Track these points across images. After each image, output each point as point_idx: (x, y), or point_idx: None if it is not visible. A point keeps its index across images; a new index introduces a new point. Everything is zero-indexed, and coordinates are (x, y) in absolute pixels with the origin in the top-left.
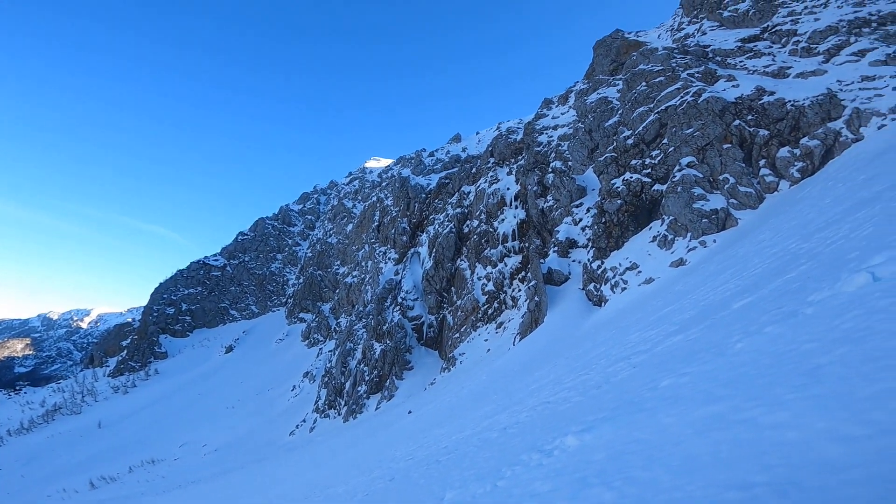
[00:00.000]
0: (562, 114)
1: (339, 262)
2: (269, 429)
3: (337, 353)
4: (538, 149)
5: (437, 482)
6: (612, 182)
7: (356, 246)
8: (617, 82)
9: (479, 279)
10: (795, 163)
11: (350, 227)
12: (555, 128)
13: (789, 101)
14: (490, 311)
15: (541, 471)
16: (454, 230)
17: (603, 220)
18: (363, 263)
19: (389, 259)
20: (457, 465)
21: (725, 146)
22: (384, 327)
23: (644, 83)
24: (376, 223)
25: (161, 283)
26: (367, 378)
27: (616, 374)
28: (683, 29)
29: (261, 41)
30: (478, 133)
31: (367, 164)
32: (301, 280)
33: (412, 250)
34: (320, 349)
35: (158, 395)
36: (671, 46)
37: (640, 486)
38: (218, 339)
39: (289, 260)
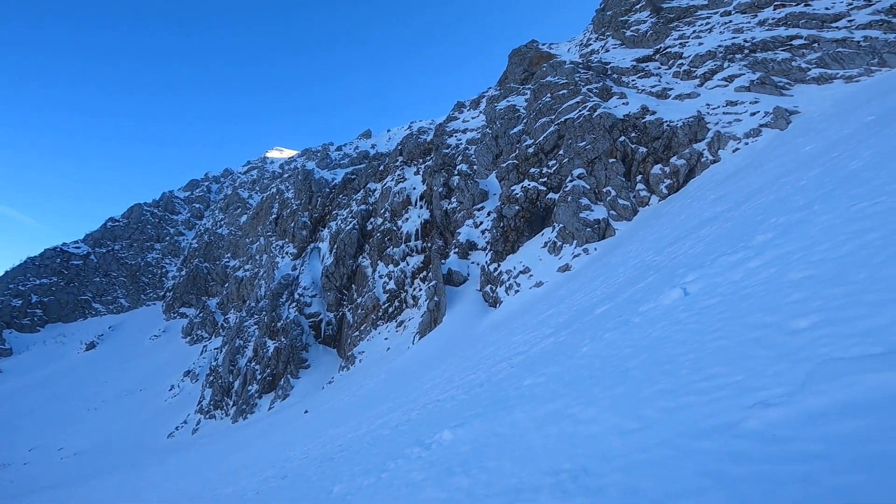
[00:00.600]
0: (472, 118)
1: (229, 255)
2: (142, 431)
3: (224, 350)
4: (446, 151)
5: (329, 478)
6: (512, 188)
7: (250, 238)
8: (526, 91)
9: (380, 277)
10: (665, 180)
11: (244, 218)
12: (464, 131)
13: (666, 122)
14: (391, 310)
15: (419, 462)
16: (357, 227)
17: (501, 224)
18: (257, 257)
19: (287, 253)
20: (348, 461)
21: (611, 160)
22: (279, 324)
23: (549, 95)
24: (274, 216)
25: (6, 272)
26: (258, 377)
27: (497, 373)
28: (591, 45)
29: (146, 10)
30: (389, 130)
31: (268, 154)
32: (184, 272)
33: (312, 245)
34: (205, 346)
35: (1, 396)
36: (577, 61)
37: (490, 473)
38: (77, 334)
39: (170, 250)
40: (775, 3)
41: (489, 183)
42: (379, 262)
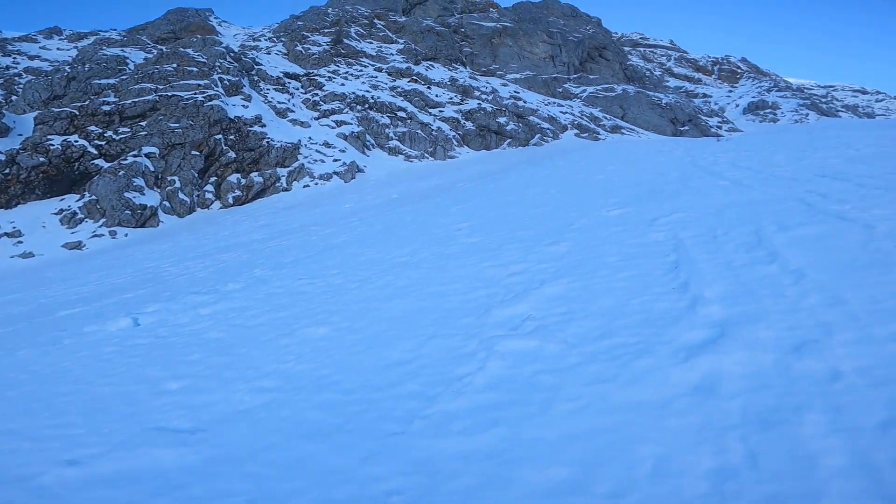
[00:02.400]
0: (59, 49)
1: None
2: None
3: None
4: None
5: None
6: (51, 138)
7: None
8: (153, 50)
9: None
10: (236, 190)
11: None
12: (34, 58)
13: (268, 139)
14: None
15: None
16: None
17: (7, 170)
18: None
19: None
20: None
21: (194, 153)
22: None
23: (177, 64)
24: None
25: None
26: None
27: None
28: (259, 41)
29: None
30: None
31: None
32: None
33: None
34: None
35: None
36: (234, 50)
37: None
38: None
39: None
40: (411, 77)
41: (21, 120)
42: None
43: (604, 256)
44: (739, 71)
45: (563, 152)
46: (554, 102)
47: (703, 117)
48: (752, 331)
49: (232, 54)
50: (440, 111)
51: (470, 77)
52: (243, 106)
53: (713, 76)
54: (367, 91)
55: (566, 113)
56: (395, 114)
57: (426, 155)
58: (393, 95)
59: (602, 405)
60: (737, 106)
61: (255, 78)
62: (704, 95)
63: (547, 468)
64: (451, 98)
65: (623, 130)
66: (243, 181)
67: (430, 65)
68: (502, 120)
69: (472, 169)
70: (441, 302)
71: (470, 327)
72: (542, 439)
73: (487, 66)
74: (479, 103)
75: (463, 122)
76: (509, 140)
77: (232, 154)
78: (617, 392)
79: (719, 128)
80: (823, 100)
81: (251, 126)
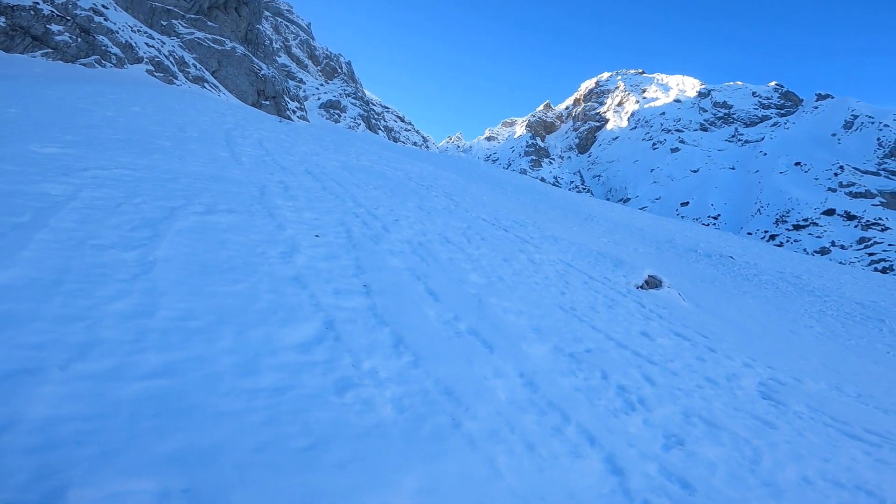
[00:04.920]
0: None
1: None
2: None
3: None
4: None
5: None
6: None
7: None
8: None
9: None
10: None
11: None
12: None
13: None
14: None
15: None
16: None
17: None
18: None
19: None
20: None
21: None
22: None
23: None
24: None
25: None
26: None
27: None
28: None
29: None
30: None
31: None
32: None
33: None
34: None
35: None
36: None
37: None
38: None
39: None
40: None
41: None
42: None
43: None
44: (339, 72)
45: (108, 80)
46: (146, 33)
47: (287, 99)
48: None
49: None
50: None
51: None
52: None
53: (318, 67)
54: None
55: (152, 47)
56: None
57: None
58: None
59: None
60: (318, 99)
61: None
62: (301, 81)
63: None
64: None
65: (206, 84)
66: None
67: None
68: (56, 28)
69: None
70: None
71: None
72: None
73: None
74: (35, 2)
75: None
76: (50, 51)
77: None
78: None
79: (293, 112)
80: (377, 116)
81: None
